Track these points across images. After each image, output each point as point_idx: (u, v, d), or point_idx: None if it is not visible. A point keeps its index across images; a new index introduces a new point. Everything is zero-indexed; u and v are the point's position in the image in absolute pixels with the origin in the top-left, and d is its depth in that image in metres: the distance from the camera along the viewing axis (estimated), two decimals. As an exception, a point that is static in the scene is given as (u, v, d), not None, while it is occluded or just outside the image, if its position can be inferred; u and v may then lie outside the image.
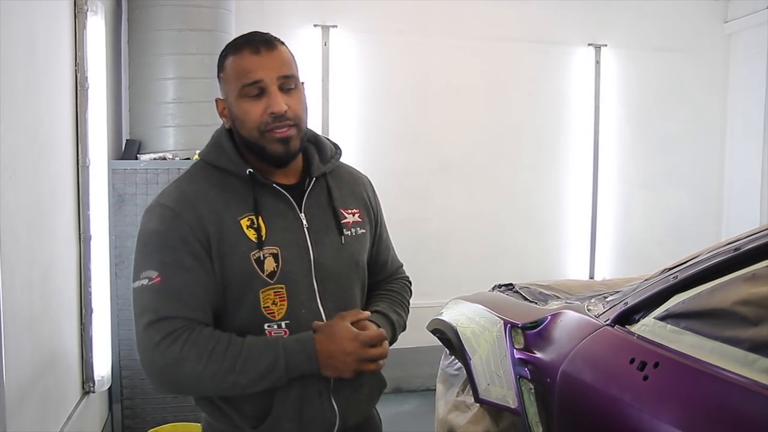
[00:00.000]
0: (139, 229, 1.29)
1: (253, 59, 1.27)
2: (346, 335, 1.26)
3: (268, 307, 1.28)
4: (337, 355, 1.25)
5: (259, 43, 1.28)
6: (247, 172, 1.30)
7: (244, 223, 1.28)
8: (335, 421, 1.34)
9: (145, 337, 1.22)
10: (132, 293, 1.27)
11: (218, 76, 1.34)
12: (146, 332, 1.22)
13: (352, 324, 1.29)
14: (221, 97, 1.35)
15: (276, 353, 1.23)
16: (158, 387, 1.26)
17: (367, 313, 1.35)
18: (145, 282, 1.24)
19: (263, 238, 1.28)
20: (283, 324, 1.29)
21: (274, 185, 1.33)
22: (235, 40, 1.33)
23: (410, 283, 1.60)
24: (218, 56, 1.34)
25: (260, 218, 1.29)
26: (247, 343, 1.24)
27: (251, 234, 1.28)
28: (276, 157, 1.30)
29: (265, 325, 1.28)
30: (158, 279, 1.23)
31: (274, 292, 1.28)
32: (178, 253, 1.24)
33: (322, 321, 1.31)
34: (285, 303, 1.29)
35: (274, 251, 1.28)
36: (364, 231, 1.43)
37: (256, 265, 1.27)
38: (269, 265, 1.28)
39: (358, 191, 1.47)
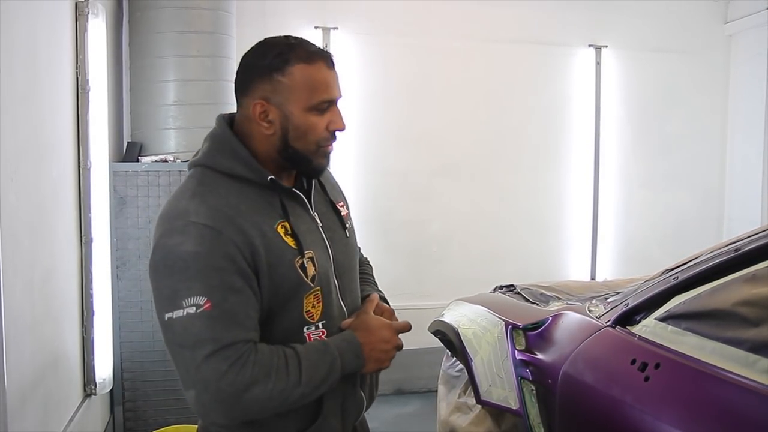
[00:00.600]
0: (164, 251, 1.18)
1: (329, 74, 1.25)
2: (382, 325, 1.31)
3: (309, 310, 1.27)
4: (378, 345, 1.28)
5: (329, 56, 1.26)
6: (269, 179, 1.25)
7: (281, 230, 1.24)
8: (363, 407, 1.40)
9: (209, 369, 1.13)
10: (170, 324, 1.15)
11: (269, 76, 1.23)
12: (209, 363, 1.13)
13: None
14: (261, 98, 1.24)
15: (332, 357, 1.23)
16: (222, 418, 1.18)
17: (376, 297, 1.39)
18: (191, 310, 1.13)
19: (301, 243, 1.26)
20: (320, 325, 1.29)
21: (293, 189, 1.30)
22: (290, 42, 1.25)
23: (369, 263, 1.64)
24: (273, 54, 1.24)
25: (289, 224, 1.26)
26: (302, 352, 1.22)
27: (290, 241, 1.25)
28: (319, 170, 1.31)
29: (305, 328, 1.27)
30: (208, 305, 1.14)
31: (314, 296, 1.28)
32: (225, 275, 1.16)
33: (345, 316, 1.34)
34: (321, 304, 1.29)
35: (311, 255, 1.27)
36: (351, 222, 1.47)
37: (301, 272, 1.25)
38: (310, 269, 1.26)
39: (334, 183, 1.49)
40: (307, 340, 1.27)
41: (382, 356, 1.29)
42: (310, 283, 1.26)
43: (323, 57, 1.25)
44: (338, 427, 1.33)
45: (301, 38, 1.27)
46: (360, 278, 1.51)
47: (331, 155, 1.33)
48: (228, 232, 1.17)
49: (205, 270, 1.15)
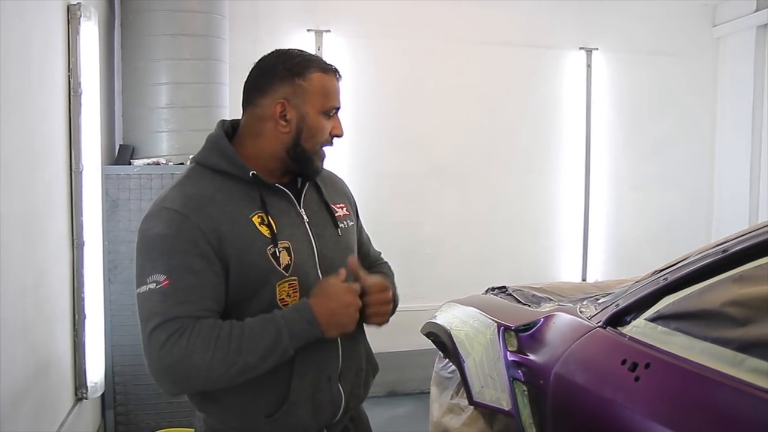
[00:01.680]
0: (141, 234, 1.30)
1: (337, 86, 1.40)
2: (340, 289, 1.31)
3: (283, 299, 1.32)
4: (337, 310, 1.29)
5: (339, 72, 1.41)
6: (251, 174, 1.34)
7: (256, 220, 1.32)
8: (341, 404, 1.41)
9: (151, 340, 1.22)
10: (137, 299, 1.26)
11: (290, 80, 1.35)
12: (152, 335, 1.22)
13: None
14: (283, 98, 1.35)
15: (277, 325, 1.26)
16: (169, 387, 1.26)
17: (344, 271, 1.36)
18: (152, 286, 1.24)
19: (276, 233, 1.33)
20: None
21: (276, 185, 1.38)
22: (308, 55, 1.40)
23: (389, 266, 1.68)
24: (294, 61, 1.36)
25: (269, 215, 1.33)
26: (248, 323, 1.26)
27: (264, 230, 1.32)
28: (317, 170, 1.42)
29: None
30: (166, 282, 1.23)
31: (288, 284, 1.33)
32: (186, 256, 1.25)
33: None
34: (297, 294, 1.33)
35: (287, 245, 1.34)
36: (352, 223, 1.53)
37: (272, 260, 1.31)
38: (284, 258, 1.32)
39: (340, 188, 1.57)
40: None
41: (342, 320, 1.30)
42: (283, 272, 1.32)
43: (335, 70, 1.40)
44: (309, 421, 1.35)
45: (318, 56, 1.42)
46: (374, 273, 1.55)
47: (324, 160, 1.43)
48: (195, 218, 1.26)
49: (169, 251, 1.25)
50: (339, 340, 1.39)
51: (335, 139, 1.41)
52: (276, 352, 1.25)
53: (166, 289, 1.23)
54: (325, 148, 1.41)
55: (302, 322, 1.27)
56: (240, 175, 1.34)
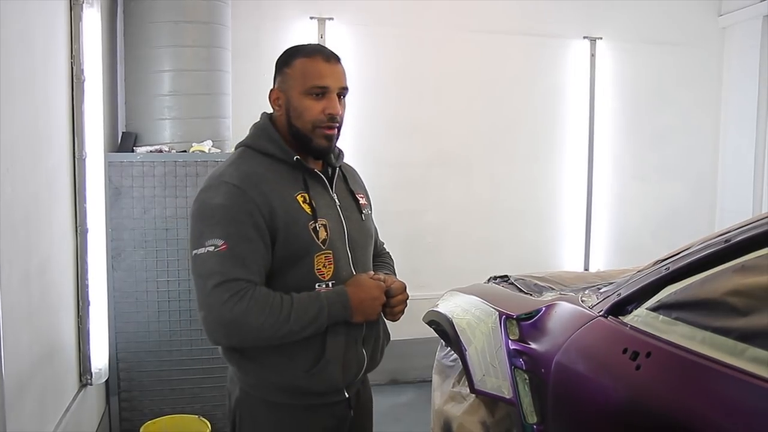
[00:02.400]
0: (200, 203, 1.48)
1: (324, 66, 1.52)
2: (372, 284, 1.54)
3: (320, 269, 1.52)
4: (366, 300, 1.50)
5: (330, 54, 1.54)
6: (295, 159, 1.54)
7: (300, 198, 1.52)
8: (363, 365, 1.62)
9: (213, 296, 1.39)
10: (193, 259, 1.44)
11: (281, 70, 1.56)
12: (215, 291, 1.39)
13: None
14: (276, 87, 1.57)
15: (320, 304, 1.46)
16: (219, 338, 1.45)
17: (380, 275, 1.61)
18: (210, 249, 1.41)
19: (316, 211, 1.53)
20: (330, 284, 1.54)
21: (316, 170, 1.58)
22: (303, 45, 1.58)
23: (391, 256, 1.90)
24: (287, 54, 1.56)
25: (309, 196, 1.53)
26: (296, 298, 1.46)
27: (306, 208, 1.52)
28: (319, 149, 1.56)
29: (316, 285, 1.52)
30: (224, 247, 1.41)
31: (325, 257, 1.53)
32: (242, 226, 1.43)
33: None
34: (332, 266, 1.54)
35: (324, 222, 1.53)
36: (370, 212, 1.74)
37: (313, 234, 1.50)
38: (322, 233, 1.52)
39: (359, 180, 1.78)
40: None
41: (368, 310, 1.52)
42: (321, 245, 1.52)
43: (322, 52, 1.53)
44: (338, 376, 1.55)
45: (315, 44, 1.60)
46: (377, 264, 1.77)
47: (334, 139, 1.58)
48: (251, 193, 1.46)
49: (227, 219, 1.43)
50: None
51: (336, 119, 1.54)
52: (314, 325, 1.46)
53: (224, 252, 1.41)
54: (329, 130, 1.54)
55: (339, 305, 1.48)
56: (285, 159, 1.54)
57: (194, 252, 1.44)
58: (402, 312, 1.61)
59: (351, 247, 1.59)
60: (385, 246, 1.89)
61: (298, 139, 1.55)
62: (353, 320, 1.51)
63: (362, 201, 1.69)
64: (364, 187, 1.79)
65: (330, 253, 1.53)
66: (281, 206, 1.48)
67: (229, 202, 1.45)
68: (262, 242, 1.45)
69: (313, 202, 1.53)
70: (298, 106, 1.53)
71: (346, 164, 1.76)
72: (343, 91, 1.57)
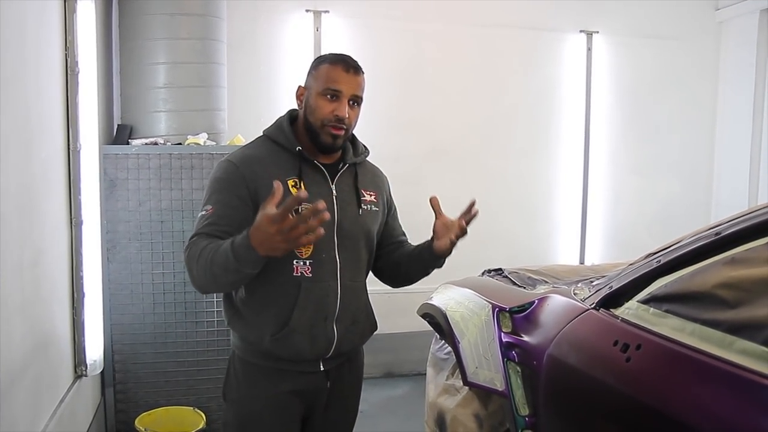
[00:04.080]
0: (210, 176, 1.73)
1: (342, 74, 1.70)
2: (264, 220, 1.43)
3: (300, 249, 1.65)
4: (265, 239, 1.45)
5: (351, 65, 1.72)
6: (296, 149, 1.73)
7: (290, 183, 1.68)
8: (333, 343, 1.74)
9: (187, 246, 1.62)
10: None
11: (310, 72, 1.75)
12: (189, 242, 1.62)
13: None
14: (303, 86, 1.77)
15: (227, 246, 1.52)
16: (191, 281, 1.64)
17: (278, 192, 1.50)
18: (203, 212, 1.65)
19: None
20: (307, 262, 1.70)
21: (316, 162, 1.75)
22: (334, 54, 1.76)
23: None
24: (317, 61, 1.76)
25: (302, 182, 1.70)
26: (219, 243, 1.55)
27: (294, 192, 1.64)
28: (324, 145, 1.73)
29: (294, 261, 1.68)
30: (210, 210, 1.65)
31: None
32: (228, 195, 1.66)
33: (336, 264, 1.73)
34: (311, 247, 1.68)
35: (309, 207, 1.52)
36: (377, 209, 1.86)
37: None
38: None
39: (377, 182, 1.92)
40: (294, 271, 1.68)
41: (274, 245, 1.45)
42: None
43: (345, 62, 1.72)
44: (304, 347, 1.70)
45: (344, 54, 1.75)
46: (404, 248, 1.95)
47: (339, 139, 1.72)
48: (243, 170, 1.68)
49: (219, 189, 1.68)
50: (339, 291, 1.74)
51: (342, 122, 1.69)
52: (230, 269, 1.51)
53: (209, 214, 1.64)
54: (335, 130, 1.69)
55: (242, 247, 1.49)
56: (289, 148, 1.74)
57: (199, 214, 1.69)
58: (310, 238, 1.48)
59: (340, 234, 1.74)
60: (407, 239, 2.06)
61: (310, 133, 1.73)
62: (262, 255, 1.47)
63: (367, 197, 1.83)
64: (382, 188, 1.92)
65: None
66: (267, 185, 1.56)
67: (223, 176, 1.69)
68: (243, 210, 1.64)
69: (302, 188, 1.67)
70: (313, 103, 1.71)
71: (372, 167, 1.94)
72: (355, 99, 1.73)
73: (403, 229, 2.07)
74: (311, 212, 1.44)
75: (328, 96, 1.69)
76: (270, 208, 1.43)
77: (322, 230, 1.50)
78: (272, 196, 1.44)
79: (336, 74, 1.70)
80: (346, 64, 1.72)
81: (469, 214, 1.89)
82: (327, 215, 1.49)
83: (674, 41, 4.53)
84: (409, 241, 2.04)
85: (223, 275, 1.55)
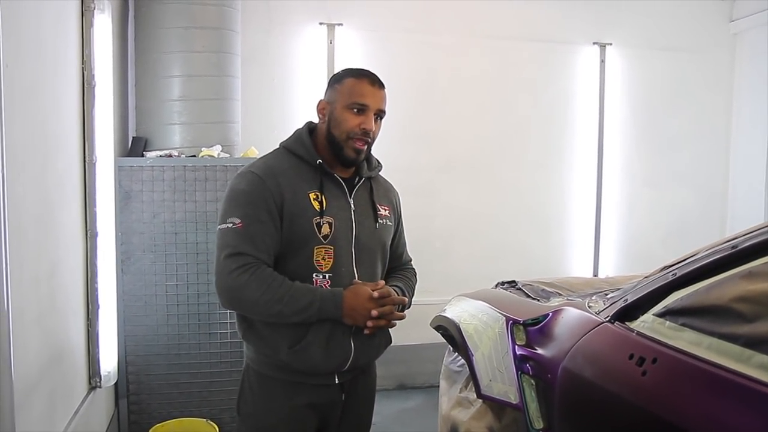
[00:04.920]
0: (230, 187, 1.73)
1: (369, 88, 1.74)
2: (366, 295, 1.69)
3: (318, 260, 1.71)
4: (357, 308, 1.67)
5: (376, 79, 1.76)
6: (317, 162, 1.75)
7: (312, 196, 1.72)
8: (350, 356, 1.75)
9: (223, 264, 1.64)
10: (217, 233, 1.69)
11: (332, 86, 1.78)
12: (225, 261, 1.63)
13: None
14: (325, 99, 1.79)
15: (314, 297, 1.65)
16: (223, 301, 1.67)
17: (383, 283, 1.78)
18: (230, 225, 1.66)
19: (324, 209, 1.71)
20: (327, 276, 1.72)
21: (335, 175, 1.77)
22: (358, 69, 1.79)
23: (415, 272, 2.04)
24: (340, 74, 1.80)
25: (323, 195, 1.73)
26: (295, 285, 1.65)
27: (316, 204, 1.71)
28: (348, 159, 1.76)
29: (314, 274, 1.71)
30: (240, 225, 1.65)
31: (325, 251, 1.71)
32: (257, 209, 1.66)
33: (356, 279, 1.74)
34: (331, 260, 1.72)
35: (330, 220, 1.72)
36: (390, 224, 1.89)
37: (315, 228, 1.70)
38: (325, 229, 1.71)
39: (390, 196, 1.95)
40: (314, 283, 1.70)
41: (356, 316, 1.68)
42: (321, 239, 1.70)
43: (369, 77, 1.76)
44: (320, 360, 1.71)
45: (366, 69, 1.78)
46: (396, 276, 1.93)
47: (363, 153, 1.77)
48: (269, 183, 1.69)
49: (246, 202, 1.68)
50: None
51: (368, 135, 1.74)
52: (304, 314, 1.64)
53: (240, 230, 1.65)
54: (359, 144, 1.73)
55: (331, 303, 1.66)
56: (310, 161, 1.76)
57: (218, 227, 1.69)
58: (386, 322, 1.73)
59: (357, 248, 1.77)
60: (411, 263, 2.06)
61: (333, 146, 1.75)
62: (344, 321, 1.69)
63: (383, 212, 1.86)
64: (394, 202, 1.96)
65: (331, 248, 1.71)
66: (291, 198, 1.69)
67: (250, 188, 1.69)
68: (273, 225, 1.67)
69: (324, 201, 1.72)
70: (338, 116, 1.74)
71: (384, 181, 1.97)
72: (380, 113, 1.77)
73: (407, 244, 2.08)
74: (399, 317, 1.74)
75: (355, 110, 1.72)
76: (375, 289, 1.68)
77: (395, 324, 1.74)
78: (375, 283, 1.73)
79: (362, 88, 1.73)
80: (372, 79, 1.75)
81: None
82: (403, 317, 1.74)
83: (688, 53, 4.52)
84: (410, 255, 2.08)
85: (291, 315, 1.64)
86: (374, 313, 1.68)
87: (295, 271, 1.69)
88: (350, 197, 1.79)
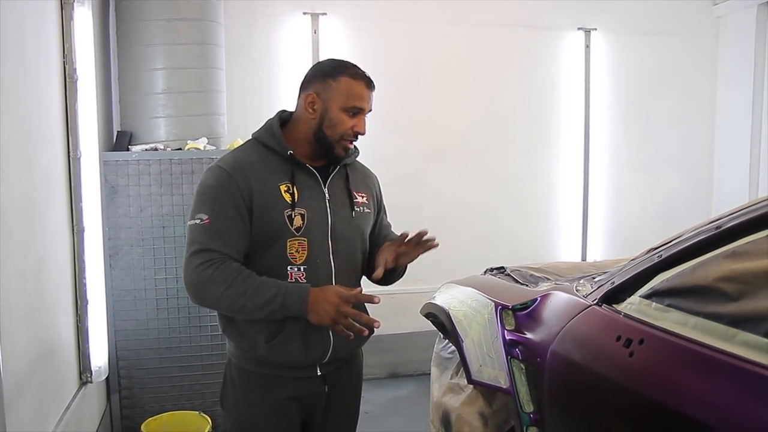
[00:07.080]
0: (200, 182, 1.70)
1: (365, 91, 1.71)
2: (334, 291, 1.60)
3: (293, 253, 1.67)
4: (321, 303, 1.58)
5: (370, 81, 1.73)
6: (288, 153, 1.70)
7: (283, 188, 1.68)
8: (329, 348, 1.73)
9: (189, 260, 1.62)
10: (187, 228, 1.67)
11: (324, 80, 1.70)
12: (191, 257, 1.61)
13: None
14: (313, 92, 1.71)
15: (278, 290, 1.59)
16: (191, 297, 1.64)
17: (360, 289, 1.66)
18: (197, 221, 1.63)
19: (295, 201, 1.67)
20: (302, 268, 1.68)
21: (307, 165, 1.72)
22: (348, 64, 1.73)
23: None
24: (332, 66, 1.73)
25: (295, 187, 1.69)
26: (261, 279, 1.61)
27: (287, 197, 1.67)
28: (337, 157, 1.74)
29: (288, 267, 1.67)
30: (207, 221, 1.63)
31: (298, 243, 1.68)
32: (224, 205, 1.63)
33: (330, 269, 1.71)
34: (305, 252, 1.68)
35: (302, 212, 1.68)
36: (369, 211, 1.84)
37: (287, 220, 1.66)
38: (297, 221, 1.67)
39: (368, 182, 1.90)
40: (289, 277, 1.67)
41: (322, 313, 1.58)
42: (294, 232, 1.67)
43: (366, 79, 1.72)
44: (299, 353, 1.69)
45: (357, 66, 1.73)
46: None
47: (350, 150, 1.76)
48: (236, 177, 1.65)
49: (213, 198, 1.65)
50: None
51: (358, 136, 1.73)
52: (267, 309, 1.59)
53: (207, 226, 1.62)
54: (350, 143, 1.73)
55: (296, 297, 1.59)
56: (280, 152, 1.71)
57: (188, 223, 1.67)
58: (354, 330, 1.59)
59: (333, 238, 1.73)
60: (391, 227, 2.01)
61: (322, 144, 1.72)
62: (309, 318, 1.60)
63: (360, 199, 1.81)
64: (373, 188, 1.91)
65: (304, 240, 1.67)
66: (261, 191, 1.65)
67: (216, 184, 1.66)
68: (241, 220, 1.64)
69: (296, 192, 1.68)
70: (334, 117, 1.69)
71: (361, 167, 1.91)
72: (369, 113, 1.76)
73: (391, 225, 2.02)
74: (369, 321, 1.62)
75: (351, 113, 1.69)
76: (345, 289, 1.59)
77: (366, 332, 1.63)
78: (354, 290, 1.59)
79: (361, 91, 1.70)
80: (367, 80, 1.72)
81: (424, 245, 1.82)
82: (378, 324, 1.64)
83: (672, 37, 4.53)
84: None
85: (255, 310, 1.59)
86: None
87: (271, 264, 1.66)
88: (324, 186, 1.74)
